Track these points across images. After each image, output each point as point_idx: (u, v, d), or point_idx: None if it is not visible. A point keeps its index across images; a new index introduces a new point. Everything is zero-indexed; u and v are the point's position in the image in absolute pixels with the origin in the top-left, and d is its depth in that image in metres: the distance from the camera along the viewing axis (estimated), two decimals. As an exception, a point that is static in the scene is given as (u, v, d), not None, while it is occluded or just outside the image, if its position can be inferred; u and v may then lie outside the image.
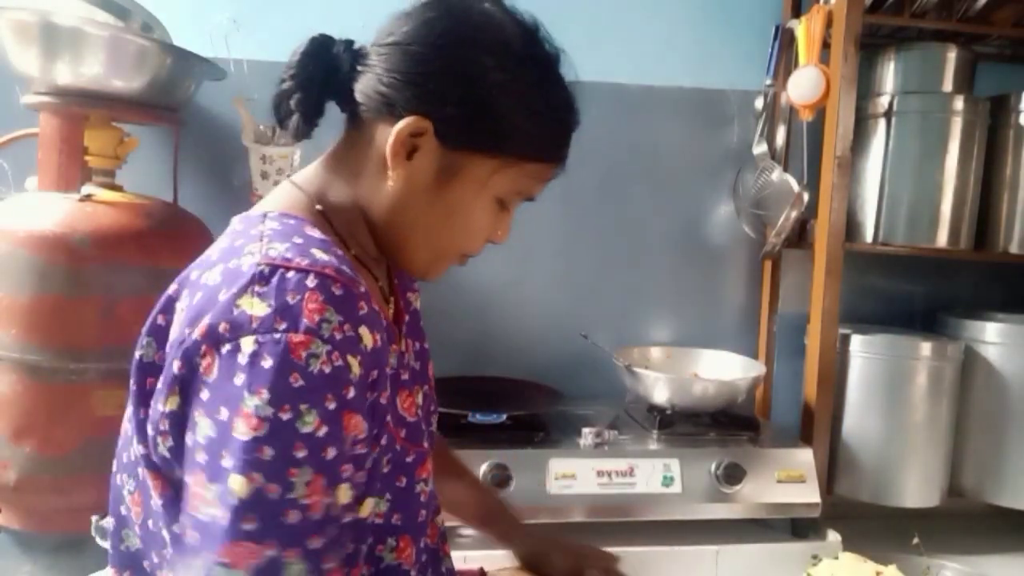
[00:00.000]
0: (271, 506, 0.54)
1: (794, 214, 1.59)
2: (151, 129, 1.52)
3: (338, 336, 0.56)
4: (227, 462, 0.54)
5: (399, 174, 0.68)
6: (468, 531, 1.35)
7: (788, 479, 1.43)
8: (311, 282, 0.58)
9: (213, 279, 0.59)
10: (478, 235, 0.74)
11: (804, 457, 1.47)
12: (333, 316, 0.57)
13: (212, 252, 0.65)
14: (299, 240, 0.63)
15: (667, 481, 1.39)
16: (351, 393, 0.57)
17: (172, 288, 0.65)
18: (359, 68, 0.69)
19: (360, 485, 0.61)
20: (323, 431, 0.55)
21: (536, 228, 1.76)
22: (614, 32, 1.74)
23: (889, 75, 1.69)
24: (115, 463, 0.69)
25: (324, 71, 0.69)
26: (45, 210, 1.18)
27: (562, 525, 1.35)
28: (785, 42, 1.69)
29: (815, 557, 1.40)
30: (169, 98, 1.36)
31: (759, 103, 1.71)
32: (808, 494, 1.43)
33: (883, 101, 1.65)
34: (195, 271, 0.63)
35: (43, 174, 1.28)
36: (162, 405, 0.59)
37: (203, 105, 1.55)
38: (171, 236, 1.26)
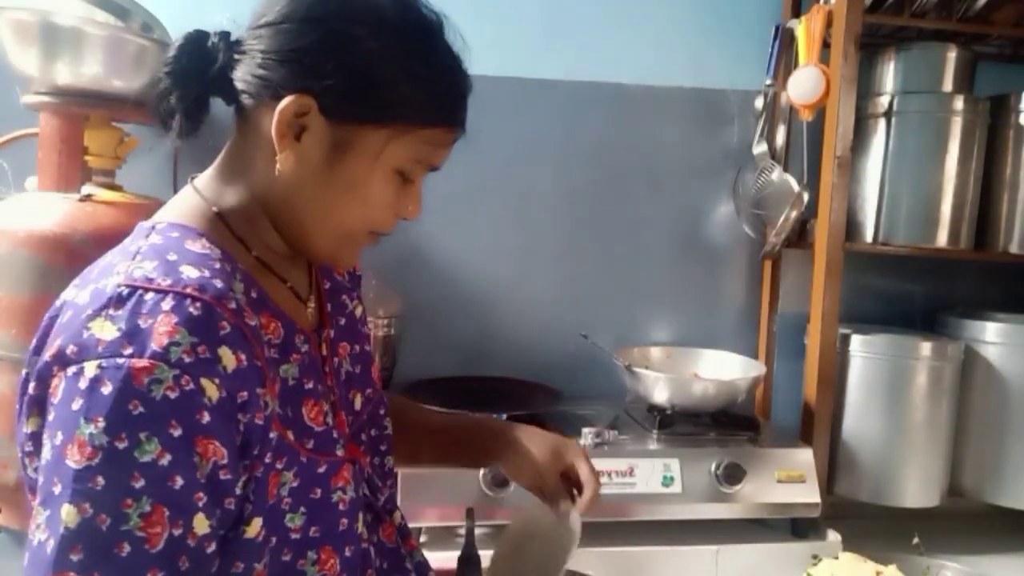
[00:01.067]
0: (100, 538, 0.52)
1: (794, 214, 1.59)
2: (151, 129, 1.51)
3: (187, 359, 0.54)
4: (58, 488, 0.53)
5: (288, 156, 0.66)
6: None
7: (788, 479, 1.43)
8: (167, 304, 0.56)
9: (83, 299, 0.59)
10: (382, 210, 0.71)
11: (804, 457, 1.47)
12: (185, 338, 0.55)
13: (98, 264, 0.64)
14: (172, 256, 0.61)
15: (667, 481, 1.39)
16: (206, 418, 0.55)
17: (56, 305, 0.63)
18: (236, 56, 0.67)
19: (230, 510, 0.59)
20: (166, 459, 0.53)
21: (536, 228, 1.76)
22: (614, 32, 1.74)
23: (889, 75, 1.69)
24: None
25: (199, 64, 0.67)
26: (45, 210, 1.18)
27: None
28: (785, 42, 1.69)
29: (815, 557, 1.40)
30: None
31: (759, 103, 1.71)
32: (808, 494, 1.43)
33: (883, 101, 1.65)
34: (72, 289, 0.62)
35: (43, 174, 1.28)
36: (24, 426, 0.59)
37: (203, 105, 1.55)
38: (171, 236, 1.26)
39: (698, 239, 1.81)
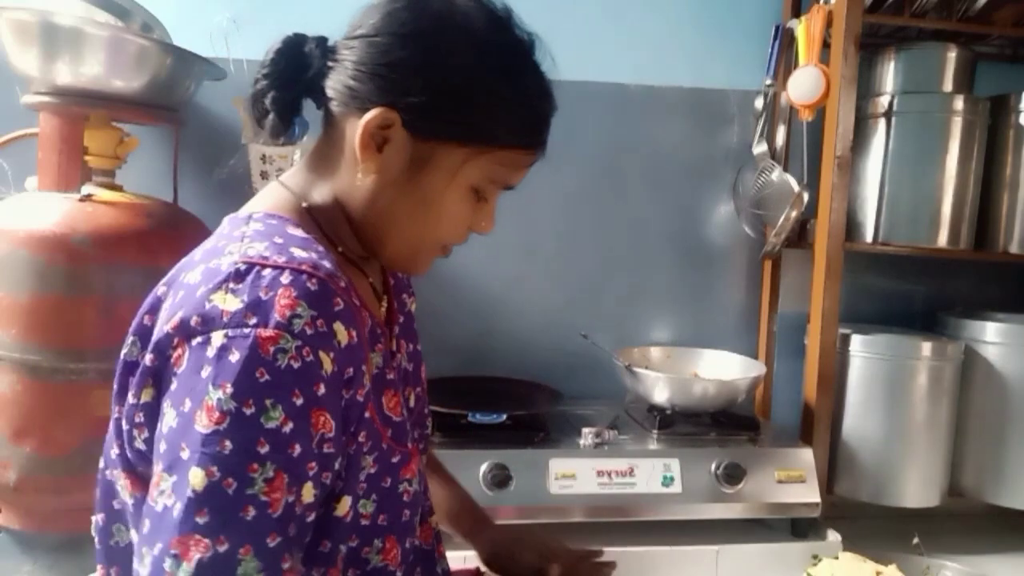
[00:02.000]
0: (227, 501, 0.53)
1: (794, 214, 1.59)
2: (151, 129, 1.52)
3: (309, 331, 0.56)
4: (185, 453, 0.54)
5: (369, 167, 0.68)
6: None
7: (788, 479, 1.43)
8: (285, 278, 0.58)
9: (194, 278, 0.60)
10: (456, 226, 0.73)
11: (804, 457, 1.47)
12: (305, 311, 0.57)
13: (197, 252, 0.65)
14: (279, 239, 0.63)
15: (667, 481, 1.39)
16: (321, 390, 0.57)
17: (160, 289, 0.65)
18: (330, 64, 0.69)
19: (325, 484, 0.60)
20: (288, 427, 0.55)
21: (536, 228, 1.76)
22: (614, 32, 1.74)
23: (889, 75, 1.69)
24: (102, 460, 0.69)
25: (296, 68, 0.69)
26: (45, 210, 1.18)
27: (562, 525, 1.35)
28: (785, 42, 1.69)
29: (815, 557, 1.40)
30: (169, 98, 1.36)
31: (759, 103, 1.71)
32: (808, 494, 1.43)
33: (883, 101, 1.65)
34: (181, 272, 0.64)
35: (43, 174, 1.28)
36: (135, 398, 0.60)
37: (203, 105, 1.55)
38: (171, 236, 1.26)
39: (698, 239, 1.81)
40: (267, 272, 0.58)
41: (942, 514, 1.65)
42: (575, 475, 1.36)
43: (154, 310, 0.64)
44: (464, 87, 0.67)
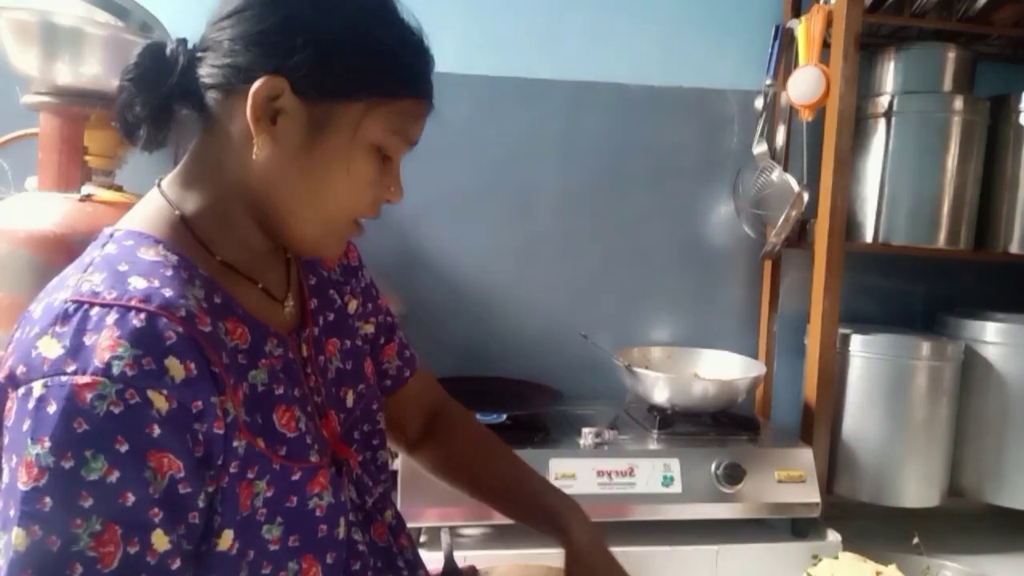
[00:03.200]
0: (51, 559, 0.51)
1: (794, 214, 1.59)
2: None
3: (130, 372, 0.53)
4: (12, 511, 0.52)
5: (265, 140, 0.64)
6: (468, 531, 1.35)
7: (788, 479, 1.43)
8: (111, 318, 0.55)
9: (37, 313, 0.58)
10: (364, 191, 0.69)
11: (804, 457, 1.47)
12: (128, 351, 0.54)
13: (60, 275, 0.63)
14: (123, 267, 0.60)
15: (667, 481, 1.39)
16: (156, 431, 0.54)
17: (21, 316, 0.63)
18: (198, 54, 0.67)
19: (195, 525, 0.57)
20: (114, 476, 0.52)
21: (536, 228, 1.76)
22: (614, 32, 1.74)
23: (889, 75, 1.69)
24: None
25: (161, 69, 0.66)
26: (45, 210, 1.18)
27: (562, 525, 1.35)
28: (785, 42, 1.69)
29: (815, 557, 1.40)
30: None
31: (759, 103, 1.71)
32: (808, 494, 1.43)
33: (883, 101, 1.65)
34: (34, 301, 0.62)
35: (43, 174, 1.28)
36: None
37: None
38: (171, 236, 1.26)
39: (698, 239, 1.81)
40: (94, 312, 0.56)
41: (942, 514, 1.65)
42: (575, 475, 1.36)
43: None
44: (348, 39, 0.65)
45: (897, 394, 1.58)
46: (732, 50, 1.77)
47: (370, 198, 0.70)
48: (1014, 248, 1.67)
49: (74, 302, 0.57)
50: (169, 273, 0.61)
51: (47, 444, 0.51)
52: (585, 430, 1.43)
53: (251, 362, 0.65)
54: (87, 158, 1.31)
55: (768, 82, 1.69)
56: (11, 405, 0.55)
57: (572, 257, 1.78)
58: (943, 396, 1.60)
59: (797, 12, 1.69)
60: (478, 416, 1.42)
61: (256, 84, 0.63)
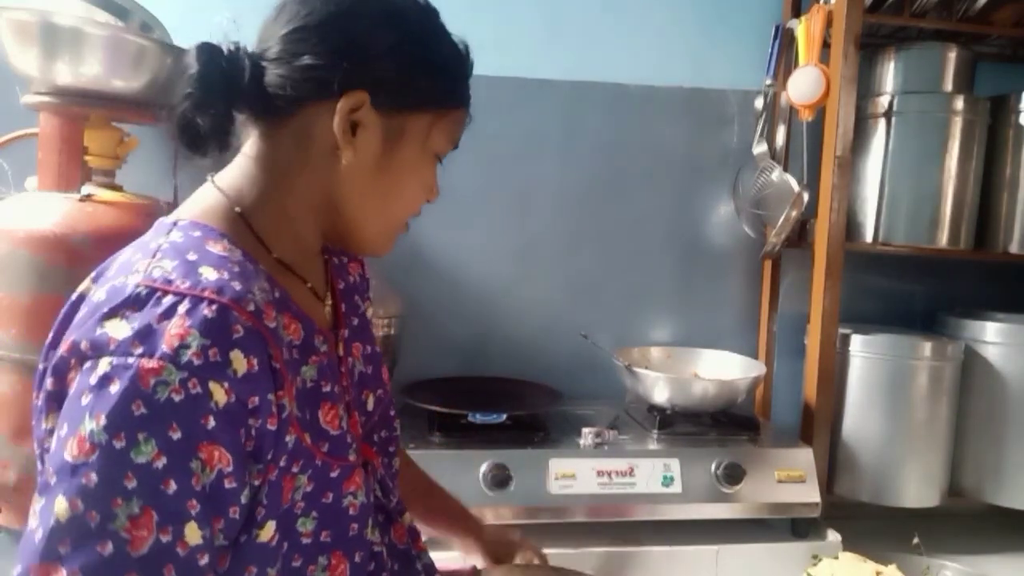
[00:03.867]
0: (88, 534, 0.52)
1: (794, 214, 1.59)
2: (151, 129, 1.52)
3: (197, 361, 0.54)
4: (53, 480, 0.53)
5: (349, 153, 0.68)
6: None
7: (788, 479, 1.43)
8: (183, 307, 0.56)
9: (99, 296, 0.59)
10: (421, 197, 0.76)
11: (804, 457, 1.47)
12: (196, 340, 0.54)
13: (117, 259, 0.64)
14: (193, 257, 0.61)
15: (667, 481, 1.39)
16: (211, 423, 0.55)
17: (72, 300, 0.64)
18: (263, 63, 0.67)
19: (234, 520, 0.58)
20: (161, 463, 0.53)
21: (536, 228, 1.76)
22: (614, 32, 1.74)
23: (889, 75, 1.70)
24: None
25: (228, 76, 0.66)
26: (45, 210, 1.18)
27: (562, 525, 1.35)
28: (785, 42, 1.69)
29: (815, 557, 1.40)
30: (169, 98, 1.36)
31: (759, 103, 1.71)
32: (808, 494, 1.43)
33: (883, 101, 1.65)
34: (89, 283, 0.63)
35: (43, 174, 1.28)
36: (44, 422, 0.59)
37: (203, 105, 1.55)
38: (171, 236, 1.26)
39: (698, 239, 1.81)
40: (167, 300, 0.56)
41: (942, 514, 1.65)
42: (575, 475, 1.36)
43: (66, 320, 0.62)
44: (418, 55, 0.69)
45: (897, 394, 1.58)
46: (732, 50, 1.77)
47: (423, 200, 0.76)
48: (1014, 248, 1.67)
49: (147, 287, 0.57)
50: (237, 269, 0.62)
51: (103, 421, 0.52)
52: (585, 430, 1.43)
53: (303, 358, 0.67)
54: (87, 158, 1.31)
55: (768, 82, 1.69)
56: (74, 377, 0.56)
57: (572, 257, 1.78)
58: (943, 396, 1.60)
59: (797, 12, 1.69)
60: (478, 416, 1.43)
61: (343, 99, 0.66)
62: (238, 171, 0.71)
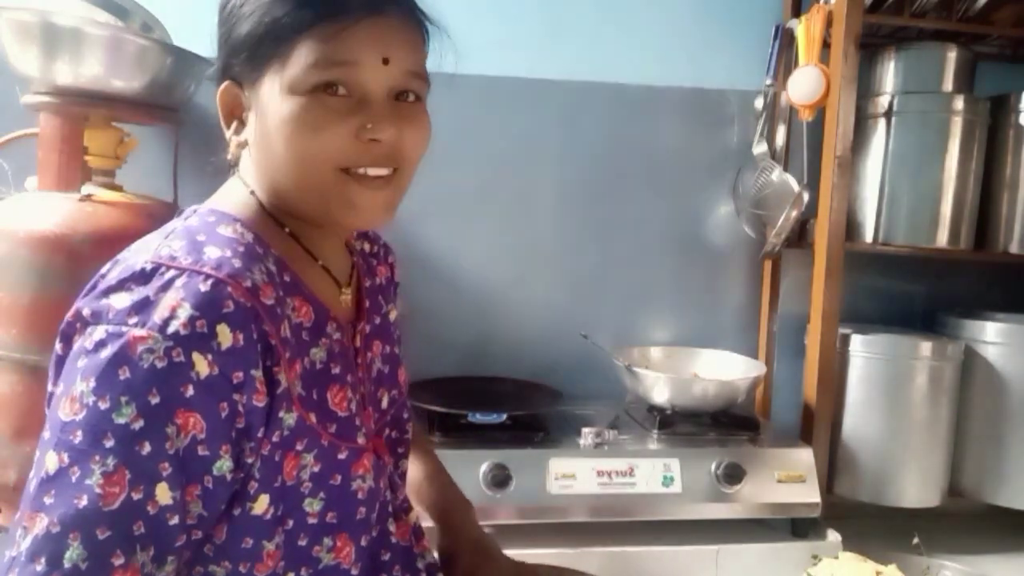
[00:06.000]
0: (68, 487, 0.55)
1: (794, 214, 1.59)
2: (151, 129, 1.52)
3: (184, 332, 0.57)
4: (47, 435, 0.57)
5: (234, 139, 0.72)
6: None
7: (788, 479, 1.43)
8: (180, 280, 0.59)
9: (110, 271, 0.63)
10: (327, 139, 0.65)
11: (804, 457, 1.47)
12: (185, 311, 0.57)
13: (138, 242, 0.67)
14: (201, 237, 0.64)
15: (667, 481, 1.39)
16: (190, 391, 0.57)
17: (97, 277, 0.66)
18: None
19: (209, 489, 0.59)
20: (138, 424, 0.56)
21: (536, 228, 1.76)
22: (614, 32, 1.74)
23: (889, 75, 1.69)
24: None
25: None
26: (45, 210, 1.18)
27: (562, 525, 1.35)
28: (785, 42, 1.69)
29: (815, 557, 1.40)
30: (169, 98, 1.36)
31: (759, 103, 1.71)
32: (808, 494, 1.43)
33: (883, 101, 1.65)
34: (108, 266, 0.66)
35: (43, 174, 1.28)
36: (52, 385, 0.62)
37: (203, 105, 1.55)
38: (171, 236, 1.26)
39: (698, 239, 1.81)
40: (168, 274, 0.60)
41: (942, 514, 1.65)
42: (575, 475, 1.36)
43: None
44: (227, 24, 0.70)
45: (897, 394, 1.58)
46: (732, 50, 1.77)
47: (337, 142, 0.66)
48: (1014, 248, 1.67)
49: (153, 263, 0.61)
50: (242, 248, 0.64)
51: (91, 384, 0.56)
52: (585, 430, 1.43)
53: (313, 340, 0.69)
54: (87, 158, 1.31)
55: (768, 82, 1.69)
56: (78, 339, 0.59)
57: (572, 257, 1.78)
58: (943, 396, 1.60)
59: (797, 12, 1.69)
60: (478, 416, 1.43)
61: (218, 93, 0.71)
62: (246, 160, 0.74)
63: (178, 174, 1.45)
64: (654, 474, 1.39)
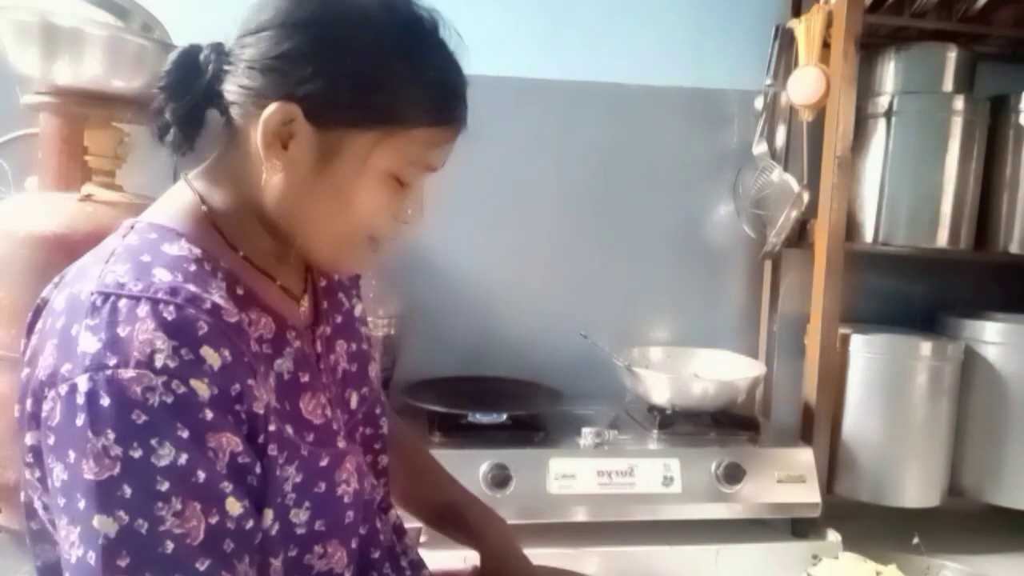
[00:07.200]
0: (143, 540, 0.53)
1: (794, 214, 1.59)
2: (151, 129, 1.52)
3: (172, 364, 0.55)
4: (82, 504, 0.53)
5: (275, 166, 0.65)
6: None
7: (788, 479, 1.43)
8: (142, 310, 0.56)
9: (59, 305, 0.60)
10: (376, 216, 0.69)
11: (804, 457, 1.47)
12: (165, 343, 0.55)
13: (75, 264, 0.65)
14: (146, 258, 0.61)
15: (667, 481, 1.39)
16: (208, 415, 0.56)
17: (37, 304, 0.65)
18: (225, 68, 0.67)
19: (254, 487, 0.60)
20: (183, 458, 0.54)
21: (536, 228, 1.76)
22: (614, 32, 1.74)
23: (889, 75, 1.69)
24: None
25: (192, 77, 0.67)
26: (45, 210, 1.18)
27: (562, 525, 1.35)
28: (785, 42, 1.69)
29: (815, 557, 1.40)
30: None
31: (759, 103, 1.71)
32: (808, 494, 1.43)
33: (883, 101, 1.65)
34: (51, 288, 0.64)
35: (43, 174, 1.27)
36: (26, 437, 0.60)
37: (203, 105, 1.55)
38: (171, 236, 1.26)
39: (698, 239, 1.81)
40: (123, 304, 0.57)
41: (942, 514, 1.65)
42: (575, 475, 1.36)
43: (31, 329, 0.64)
44: (359, 70, 0.65)
45: (897, 394, 1.58)
46: (732, 50, 1.77)
47: (385, 222, 0.71)
48: (1014, 248, 1.67)
49: (100, 294, 0.57)
50: (192, 268, 0.62)
51: (111, 436, 0.53)
52: (585, 430, 1.43)
53: (276, 351, 0.67)
54: (87, 158, 1.30)
55: (768, 82, 1.69)
56: (52, 404, 0.56)
57: (572, 257, 1.78)
58: (943, 396, 1.60)
59: (797, 12, 1.69)
60: (478, 416, 1.43)
61: (268, 111, 0.64)
62: (208, 170, 0.72)
63: (178, 174, 1.45)
64: (654, 474, 1.39)
